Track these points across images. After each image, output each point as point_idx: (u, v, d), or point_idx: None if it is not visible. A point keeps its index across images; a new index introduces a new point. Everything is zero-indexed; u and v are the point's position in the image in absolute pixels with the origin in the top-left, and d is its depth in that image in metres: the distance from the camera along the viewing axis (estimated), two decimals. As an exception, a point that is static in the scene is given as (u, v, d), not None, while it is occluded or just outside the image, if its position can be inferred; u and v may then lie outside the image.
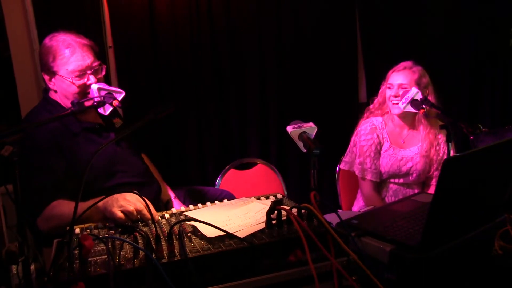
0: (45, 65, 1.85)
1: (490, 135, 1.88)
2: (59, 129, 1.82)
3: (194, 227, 1.28)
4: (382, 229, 1.27)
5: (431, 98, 2.27)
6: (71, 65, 1.81)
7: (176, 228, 1.23)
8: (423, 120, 2.36)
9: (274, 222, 1.27)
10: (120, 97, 1.82)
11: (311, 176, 1.37)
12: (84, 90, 1.84)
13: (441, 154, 2.39)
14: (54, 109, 1.88)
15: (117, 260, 1.11)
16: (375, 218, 1.39)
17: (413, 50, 3.32)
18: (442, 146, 2.40)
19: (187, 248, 1.15)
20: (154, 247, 1.13)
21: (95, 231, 1.34)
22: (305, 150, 1.47)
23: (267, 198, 1.59)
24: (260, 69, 3.18)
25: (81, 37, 1.88)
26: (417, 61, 2.36)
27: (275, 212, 1.27)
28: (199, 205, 1.55)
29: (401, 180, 2.39)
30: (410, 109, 2.19)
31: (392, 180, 2.40)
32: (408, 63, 2.34)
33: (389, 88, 2.35)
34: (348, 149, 2.55)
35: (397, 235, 1.23)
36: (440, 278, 1.20)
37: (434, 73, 2.41)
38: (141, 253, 1.12)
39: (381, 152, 2.39)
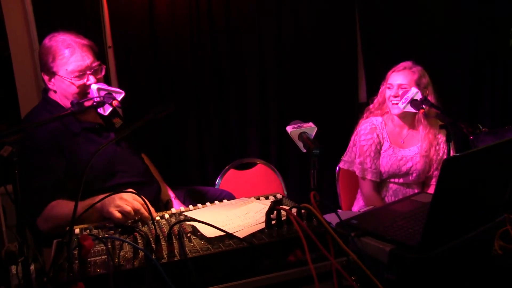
0: (44, 65, 1.85)
1: (490, 135, 1.88)
2: (59, 129, 1.82)
3: (193, 227, 1.28)
4: (382, 229, 1.27)
5: (431, 98, 2.27)
6: (71, 65, 1.81)
7: (176, 228, 1.23)
8: (422, 120, 2.36)
9: (273, 222, 1.27)
10: (119, 97, 1.82)
11: (311, 176, 1.37)
12: (83, 91, 1.84)
13: (440, 154, 2.39)
14: (54, 109, 1.88)
15: (116, 260, 1.11)
16: (375, 218, 1.39)
17: (413, 50, 3.32)
18: (442, 146, 2.40)
19: (186, 248, 1.15)
20: (154, 247, 1.13)
21: (95, 231, 1.34)
22: (305, 150, 1.47)
23: (267, 198, 1.59)
24: (260, 69, 3.18)
25: (80, 37, 1.88)
26: (417, 61, 2.36)
27: (275, 212, 1.27)
28: (199, 205, 1.55)
29: (401, 180, 2.39)
30: (409, 109, 2.19)
31: (392, 180, 2.40)
32: (408, 63, 2.34)
33: (389, 88, 2.36)
34: (347, 148, 2.55)
35: (397, 235, 1.23)
36: (440, 278, 1.20)
37: (434, 73, 2.41)
38: (141, 253, 1.12)
39: (381, 152, 2.39)
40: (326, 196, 3.11)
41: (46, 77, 1.87)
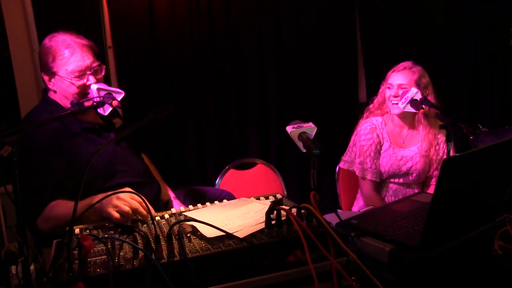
0: (44, 65, 1.85)
1: (490, 135, 1.88)
2: (59, 129, 1.82)
3: (193, 227, 1.28)
4: (382, 229, 1.27)
5: (430, 98, 2.27)
6: (71, 65, 1.81)
7: (176, 228, 1.23)
8: (422, 120, 2.36)
9: (273, 222, 1.27)
10: (119, 97, 1.82)
11: (311, 176, 1.37)
12: (83, 91, 1.84)
13: (440, 154, 2.39)
14: (54, 109, 1.88)
15: (116, 261, 1.11)
16: (375, 218, 1.39)
17: (413, 50, 3.32)
18: (441, 146, 2.40)
19: (186, 248, 1.15)
20: (154, 247, 1.13)
21: (95, 232, 1.34)
22: (304, 150, 1.47)
23: (267, 198, 1.59)
24: (260, 69, 3.18)
25: (80, 37, 1.88)
26: (417, 61, 2.36)
27: (275, 212, 1.27)
28: (199, 205, 1.55)
29: (401, 180, 2.39)
30: (409, 109, 2.19)
31: (392, 180, 2.40)
32: (408, 63, 2.34)
33: (388, 88, 2.36)
34: (347, 148, 2.55)
35: (397, 235, 1.23)
36: (440, 278, 1.20)
37: (434, 73, 2.42)
38: (141, 253, 1.12)
39: (381, 151, 2.39)
40: (326, 196, 3.11)
41: (46, 77, 1.87)
